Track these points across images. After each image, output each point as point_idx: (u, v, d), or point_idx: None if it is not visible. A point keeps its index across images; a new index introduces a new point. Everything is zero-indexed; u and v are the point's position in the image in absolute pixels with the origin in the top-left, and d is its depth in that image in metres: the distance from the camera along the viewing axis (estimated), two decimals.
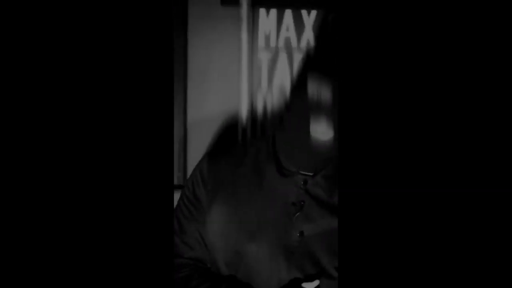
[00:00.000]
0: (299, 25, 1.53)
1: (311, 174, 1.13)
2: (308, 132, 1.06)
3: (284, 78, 1.54)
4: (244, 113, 1.52)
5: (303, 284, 1.06)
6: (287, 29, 1.53)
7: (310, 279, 1.07)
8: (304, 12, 1.53)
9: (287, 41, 1.54)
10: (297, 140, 1.09)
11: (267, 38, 1.54)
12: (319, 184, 1.13)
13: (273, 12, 1.53)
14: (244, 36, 1.50)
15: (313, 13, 1.53)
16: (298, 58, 1.54)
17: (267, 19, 1.53)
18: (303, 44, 1.54)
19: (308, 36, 1.53)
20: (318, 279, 1.07)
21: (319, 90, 1.06)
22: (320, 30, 1.51)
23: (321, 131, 1.06)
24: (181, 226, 1.17)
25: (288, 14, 1.53)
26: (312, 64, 1.11)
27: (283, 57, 1.54)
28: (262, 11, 1.53)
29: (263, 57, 1.54)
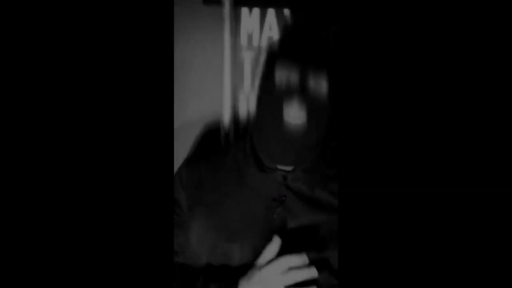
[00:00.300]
0: (282, 24, 1.53)
1: (290, 169, 1.14)
2: (281, 118, 1.06)
3: None
4: (227, 112, 1.51)
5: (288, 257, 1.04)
6: (270, 28, 1.53)
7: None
8: (287, 11, 1.53)
9: (270, 40, 1.53)
10: (272, 130, 1.09)
11: (250, 37, 1.53)
12: (299, 178, 1.14)
13: (256, 11, 1.52)
14: (227, 35, 1.49)
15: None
16: None
17: (249, 18, 1.52)
18: None
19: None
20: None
21: (288, 76, 1.06)
22: (287, 22, 1.51)
23: (294, 115, 1.06)
24: None
25: (271, 13, 1.52)
26: (279, 51, 1.11)
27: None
28: (245, 10, 1.52)
29: (246, 56, 1.53)
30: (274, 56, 1.11)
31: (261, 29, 1.53)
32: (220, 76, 1.51)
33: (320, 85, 1.06)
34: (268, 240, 1.06)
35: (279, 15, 1.53)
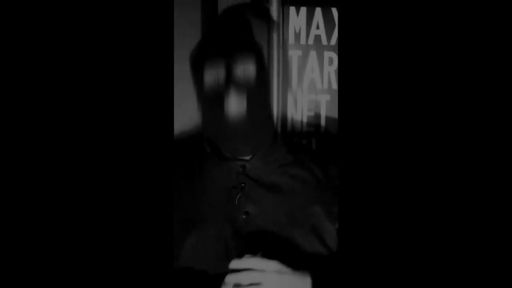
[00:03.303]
0: (329, 22, 1.53)
1: (248, 158, 1.19)
2: (223, 112, 1.11)
3: (314, 76, 1.54)
4: (275, 111, 1.53)
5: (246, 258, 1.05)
6: (317, 27, 1.53)
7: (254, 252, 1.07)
8: (334, 10, 1.53)
9: (317, 39, 1.54)
10: (220, 126, 1.13)
11: (297, 36, 1.54)
12: (257, 166, 1.19)
13: (303, 9, 1.53)
14: (274, 33, 1.51)
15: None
16: (328, 55, 1.54)
17: (297, 16, 1.53)
18: (333, 41, 1.53)
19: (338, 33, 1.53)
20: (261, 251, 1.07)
21: (216, 72, 1.11)
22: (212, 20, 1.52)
23: (234, 106, 1.10)
24: None
25: (318, 11, 1.53)
26: (203, 52, 1.16)
27: (313, 55, 1.54)
28: (292, 8, 1.53)
29: (294, 54, 1.54)
30: (199, 58, 1.16)
31: (308, 28, 1.53)
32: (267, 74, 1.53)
33: (248, 70, 1.12)
34: (231, 226, 1.11)
35: (326, 14, 1.53)
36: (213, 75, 1.12)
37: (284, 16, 1.53)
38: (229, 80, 1.11)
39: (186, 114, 1.46)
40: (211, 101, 1.13)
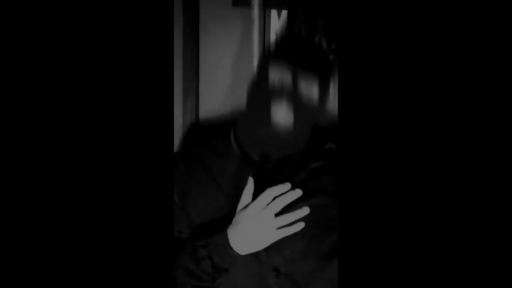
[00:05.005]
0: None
1: (273, 162, 1.19)
2: (269, 117, 1.11)
3: None
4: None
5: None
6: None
7: None
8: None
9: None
10: (259, 128, 1.13)
11: None
12: (282, 170, 1.18)
13: (285, 13, 1.53)
14: (256, 36, 1.51)
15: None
16: None
17: (278, 20, 1.53)
18: None
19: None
20: None
21: (281, 77, 1.11)
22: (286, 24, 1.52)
23: (282, 116, 1.11)
24: None
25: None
26: (275, 52, 1.18)
27: None
28: (274, 12, 1.53)
29: None
30: (269, 57, 1.13)
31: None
32: (248, 77, 1.52)
33: (310, 89, 1.11)
34: None
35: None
36: (276, 77, 1.11)
37: (266, 19, 1.52)
38: (290, 90, 1.10)
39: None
40: (262, 101, 1.12)
